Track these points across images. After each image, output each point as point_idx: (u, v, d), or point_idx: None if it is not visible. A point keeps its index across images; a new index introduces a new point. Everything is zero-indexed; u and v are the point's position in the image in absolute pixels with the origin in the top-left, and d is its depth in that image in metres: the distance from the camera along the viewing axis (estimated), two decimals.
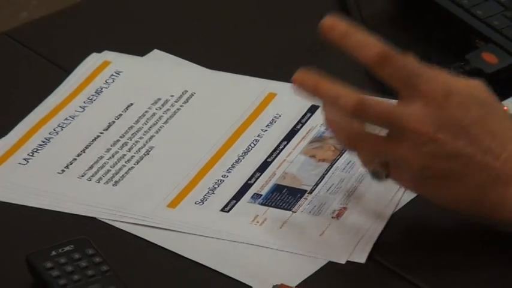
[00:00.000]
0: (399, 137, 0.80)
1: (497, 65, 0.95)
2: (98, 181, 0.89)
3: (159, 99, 0.98)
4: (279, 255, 0.82)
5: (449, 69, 0.97)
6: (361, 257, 0.80)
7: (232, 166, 0.92)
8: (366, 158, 0.85)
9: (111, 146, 0.93)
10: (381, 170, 0.83)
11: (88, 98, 0.98)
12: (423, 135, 0.79)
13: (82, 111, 0.97)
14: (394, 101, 0.83)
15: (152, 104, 0.97)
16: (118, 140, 0.93)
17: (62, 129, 0.95)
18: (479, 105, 0.81)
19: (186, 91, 0.99)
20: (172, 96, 0.99)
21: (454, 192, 0.81)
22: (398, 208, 0.86)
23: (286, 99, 0.97)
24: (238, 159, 0.92)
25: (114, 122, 0.96)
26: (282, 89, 0.97)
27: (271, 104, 0.97)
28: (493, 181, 0.80)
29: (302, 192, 0.87)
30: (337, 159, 0.89)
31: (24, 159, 0.91)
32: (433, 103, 0.79)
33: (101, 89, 0.99)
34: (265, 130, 0.95)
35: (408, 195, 0.86)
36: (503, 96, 0.93)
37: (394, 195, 0.86)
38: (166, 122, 0.96)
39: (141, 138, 0.94)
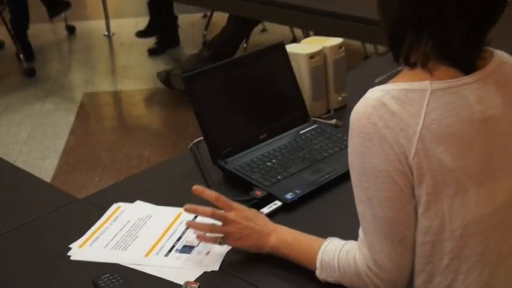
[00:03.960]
0: (227, 224, 1.20)
1: (261, 195, 1.40)
2: (118, 249, 1.27)
3: (139, 218, 1.36)
4: (186, 270, 1.20)
5: (242, 200, 1.30)
6: (216, 267, 1.19)
7: (168, 239, 1.30)
8: (213, 238, 1.21)
9: (123, 236, 1.31)
10: (222, 241, 1.21)
11: (113, 220, 1.36)
12: (236, 222, 1.20)
13: (111, 225, 1.34)
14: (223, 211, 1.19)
15: (137, 220, 1.35)
16: (124, 234, 1.31)
17: (104, 232, 1.32)
18: (253, 212, 1.24)
19: (149, 214, 1.37)
20: (145, 217, 1.36)
21: (247, 243, 1.20)
22: (228, 250, 1.24)
23: (186, 214, 1.27)
24: (170, 237, 1.30)
25: (122, 228, 1.33)
26: (184, 213, 1.25)
27: (182, 215, 1.35)
28: (262, 237, 1.20)
29: (193, 247, 1.27)
30: None
31: (90, 244, 1.29)
32: (238, 211, 1.21)
33: (117, 217, 1.37)
34: (179, 226, 1.34)
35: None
36: (261, 207, 1.33)
37: (227, 245, 1.22)
38: (142, 226, 1.34)
39: (133, 233, 1.32)
